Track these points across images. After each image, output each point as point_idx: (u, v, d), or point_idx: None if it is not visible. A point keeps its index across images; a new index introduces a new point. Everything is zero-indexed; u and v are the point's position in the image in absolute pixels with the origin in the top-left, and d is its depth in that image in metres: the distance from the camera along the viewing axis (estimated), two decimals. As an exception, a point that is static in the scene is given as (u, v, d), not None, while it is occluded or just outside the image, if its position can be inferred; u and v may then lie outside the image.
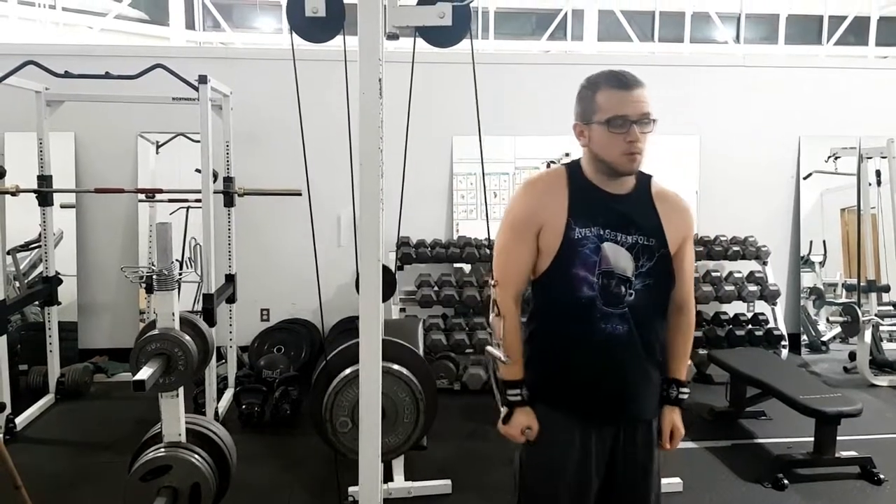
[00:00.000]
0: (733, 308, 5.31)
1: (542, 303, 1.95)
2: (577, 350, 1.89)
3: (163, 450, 2.44)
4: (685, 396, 2.03)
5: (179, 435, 2.47)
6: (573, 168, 1.91)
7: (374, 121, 1.92)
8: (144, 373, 2.20)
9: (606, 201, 1.85)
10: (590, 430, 1.90)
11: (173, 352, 2.33)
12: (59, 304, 4.45)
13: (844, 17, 10.82)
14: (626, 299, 1.83)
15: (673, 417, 2.02)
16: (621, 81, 1.79)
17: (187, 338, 2.39)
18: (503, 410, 1.95)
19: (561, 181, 1.89)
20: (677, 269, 1.93)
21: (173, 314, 2.39)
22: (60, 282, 4.45)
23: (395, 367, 2.43)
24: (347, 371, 2.38)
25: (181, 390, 2.48)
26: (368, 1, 1.88)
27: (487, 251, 5.02)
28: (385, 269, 2.11)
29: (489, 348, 1.94)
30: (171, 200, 4.59)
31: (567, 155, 5.31)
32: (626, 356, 1.87)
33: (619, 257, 1.83)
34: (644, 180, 1.93)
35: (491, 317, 1.95)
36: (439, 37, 2.22)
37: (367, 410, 2.06)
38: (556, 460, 1.92)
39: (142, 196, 4.95)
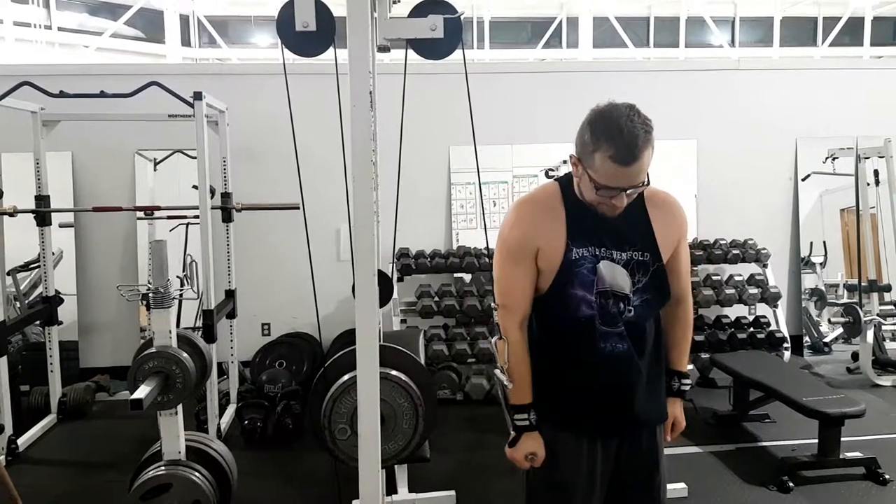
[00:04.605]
0: (735, 311, 5.29)
1: (543, 324, 1.93)
2: (580, 371, 1.88)
3: (163, 468, 2.43)
4: (687, 387, 2.05)
5: (179, 453, 2.47)
6: (566, 185, 1.86)
7: (365, 133, 1.92)
8: (142, 391, 2.20)
9: (600, 218, 1.81)
10: (596, 443, 1.90)
11: (171, 369, 2.33)
12: (59, 323, 4.45)
13: (839, 19, 10.87)
14: (625, 316, 1.82)
15: (675, 410, 2.03)
16: (623, 156, 1.65)
17: (185, 355, 2.39)
18: (511, 434, 1.93)
19: (556, 202, 1.85)
20: (674, 267, 1.92)
21: (170, 332, 2.38)
22: (61, 301, 4.45)
23: (393, 372, 2.43)
24: (345, 377, 2.38)
25: (180, 408, 2.47)
26: (358, 14, 1.89)
27: (487, 260, 5.02)
28: (381, 273, 2.11)
29: (496, 371, 1.93)
30: (169, 217, 4.58)
31: (565, 163, 5.31)
32: (629, 373, 1.86)
33: (615, 275, 1.81)
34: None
35: (494, 340, 1.93)
36: (431, 49, 2.23)
37: (366, 417, 2.04)
38: (564, 477, 1.91)
39: (140, 214, 4.95)
